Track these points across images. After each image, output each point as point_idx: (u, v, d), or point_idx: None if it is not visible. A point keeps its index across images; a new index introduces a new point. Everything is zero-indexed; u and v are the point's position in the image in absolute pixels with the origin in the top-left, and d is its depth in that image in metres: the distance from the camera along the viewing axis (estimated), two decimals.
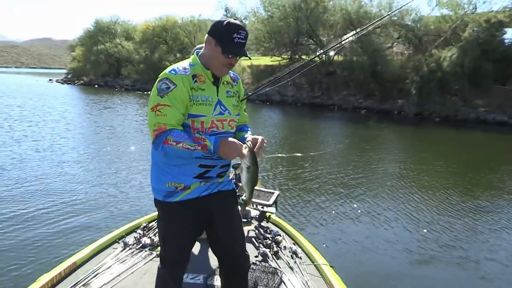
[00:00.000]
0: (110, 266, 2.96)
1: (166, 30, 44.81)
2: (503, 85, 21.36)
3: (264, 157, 8.92)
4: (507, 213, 6.77)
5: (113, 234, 3.44)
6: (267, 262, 3.14)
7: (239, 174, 3.75)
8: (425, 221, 6.18)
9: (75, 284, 2.70)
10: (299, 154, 11.26)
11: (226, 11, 44.77)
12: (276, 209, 4.28)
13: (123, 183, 7.65)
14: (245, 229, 3.57)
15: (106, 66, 47.34)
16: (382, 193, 7.58)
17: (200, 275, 2.94)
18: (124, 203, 6.49)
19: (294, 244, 3.44)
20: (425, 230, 5.80)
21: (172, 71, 1.99)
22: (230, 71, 2.16)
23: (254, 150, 2.00)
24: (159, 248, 2.71)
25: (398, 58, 26.75)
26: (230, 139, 1.98)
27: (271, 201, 4.19)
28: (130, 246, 3.26)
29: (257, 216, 3.88)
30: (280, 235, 3.55)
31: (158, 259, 2.27)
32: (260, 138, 2.07)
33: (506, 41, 23.22)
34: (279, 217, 4.11)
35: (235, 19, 2.03)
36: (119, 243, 3.33)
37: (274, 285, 2.84)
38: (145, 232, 3.50)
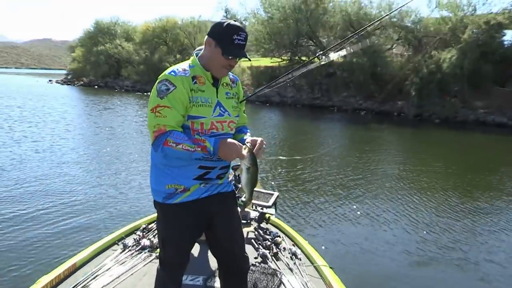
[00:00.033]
0: (109, 268, 2.96)
1: (166, 31, 44.83)
2: (502, 86, 21.39)
3: (264, 158, 8.91)
4: (506, 214, 6.78)
5: (112, 236, 3.43)
6: (267, 263, 3.14)
7: (238, 175, 3.76)
8: (424, 222, 6.18)
9: (74, 286, 2.69)
10: (299, 156, 11.26)
11: (226, 12, 44.82)
12: (276, 211, 4.28)
13: (122, 184, 7.65)
14: (245, 230, 3.56)
15: (106, 67, 47.35)
16: (382, 195, 7.58)
17: (199, 276, 2.94)
18: (124, 204, 6.49)
19: (294, 246, 3.44)
20: (424, 232, 5.81)
21: (172, 73, 1.99)
22: (229, 72, 2.17)
23: (254, 151, 2.00)
24: (158, 250, 2.71)
25: (398, 59, 26.77)
26: (230, 140, 1.98)
27: (270, 203, 4.19)
28: (130, 248, 3.26)
29: (256, 218, 3.88)
30: (279, 236, 3.55)
31: (158, 260, 2.27)
32: (259, 139, 2.08)
33: (505, 42, 23.28)
34: (278, 219, 4.11)
35: (235, 21, 2.04)
36: (118, 244, 3.32)
37: (273, 286, 2.84)
38: (144, 233, 3.49)
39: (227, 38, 1.98)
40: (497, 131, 18.61)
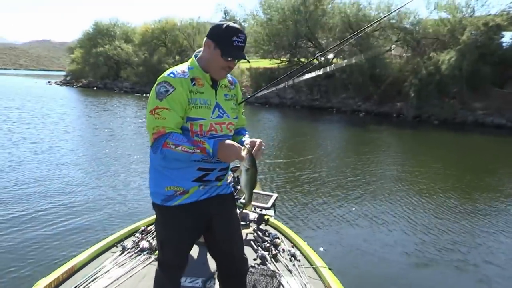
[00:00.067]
0: (108, 270, 2.96)
1: (165, 32, 44.79)
2: (501, 88, 21.41)
3: (262, 160, 8.91)
4: (505, 216, 6.78)
5: (111, 238, 3.43)
6: (266, 265, 3.14)
7: (237, 176, 3.76)
8: (423, 224, 6.18)
9: None
10: (298, 158, 11.26)
11: (225, 13, 44.92)
12: (275, 212, 4.28)
13: (121, 185, 7.64)
14: (244, 232, 3.55)
15: (105, 68, 47.30)
16: (381, 196, 7.58)
17: (198, 278, 2.94)
18: (123, 205, 6.49)
19: (293, 247, 3.44)
20: (423, 233, 5.81)
21: (171, 74, 2.00)
22: (228, 74, 2.17)
23: (252, 152, 2.01)
24: (157, 252, 2.71)
25: (397, 61, 26.80)
26: (229, 141, 1.99)
27: (269, 204, 4.19)
28: (129, 250, 3.25)
29: (255, 219, 3.88)
30: (278, 238, 3.55)
31: (157, 262, 2.27)
32: (258, 140, 2.08)
33: (504, 44, 23.29)
34: (277, 220, 4.11)
35: (234, 23, 2.05)
36: (117, 246, 3.32)
37: None
38: (143, 235, 3.49)
39: (226, 40, 1.98)
40: (495, 132, 18.62)
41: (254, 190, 2.15)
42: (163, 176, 2.08)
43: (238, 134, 2.29)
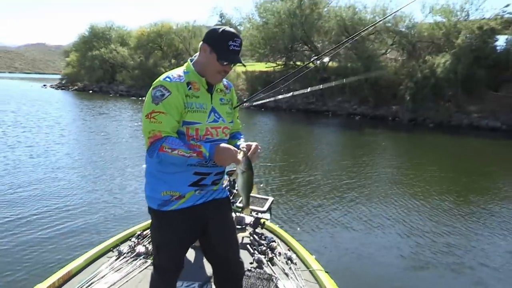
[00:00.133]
0: (105, 275, 2.94)
1: (161, 36, 44.78)
2: (495, 91, 21.54)
3: (258, 163, 8.91)
4: (500, 218, 6.80)
5: (107, 243, 3.42)
6: (262, 268, 3.14)
7: (234, 180, 3.76)
8: (418, 226, 6.20)
9: None
10: (293, 161, 11.28)
11: (221, 17, 45.01)
12: (271, 216, 4.28)
13: (117, 189, 7.62)
14: (240, 235, 3.56)
15: (101, 71, 47.22)
16: (376, 199, 7.60)
17: (195, 283, 2.93)
18: (119, 209, 6.47)
19: (289, 250, 3.44)
20: (418, 236, 5.82)
21: (167, 79, 2.00)
22: (223, 78, 2.18)
23: (248, 155, 2.02)
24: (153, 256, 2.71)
25: (392, 64, 26.89)
26: (225, 145, 2.00)
27: (265, 208, 4.19)
28: (125, 255, 3.24)
29: (251, 223, 3.88)
30: (274, 241, 3.55)
31: (152, 266, 2.26)
32: (254, 144, 2.10)
33: (498, 48, 23.42)
34: (273, 224, 4.11)
35: (230, 27, 2.06)
36: (113, 251, 3.31)
37: None
38: (139, 240, 3.48)
39: (222, 44, 1.99)
40: (490, 135, 18.72)
41: (251, 194, 2.15)
42: (159, 181, 2.08)
43: (233, 138, 2.30)
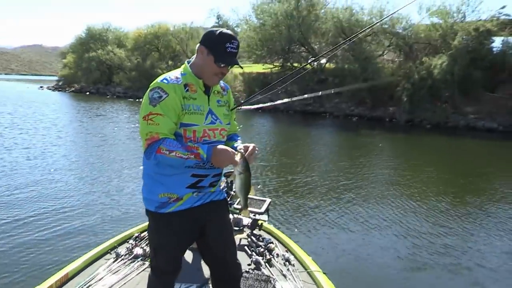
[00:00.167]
0: (102, 278, 2.94)
1: (158, 37, 44.69)
2: (492, 92, 21.62)
3: (256, 164, 8.91)
4: (496, 219, 6.82)
5: (105, 245, 3.41)
6: (260, 270, 3.14)
7: (231, 181, 3.76)
8: (415, 227, 6.21)
9: None
10: (291, 163, 11.29)
11: (218, 18, 45.09)
12: (268, 217, 4.28)
13: (114, 190, 7.61)
14: (238, 237, 3.57)
15: (98, 73, 47.13)
16: (374, 200, 7.61)
17: (193, 284, 2.93)
18: (116, 211, 6.46)
19: (287, 252, 3.45)
20: (415, 237, 5.83)
21: (164, 80, 2.01)
22: (220, 80, 2.18)
23: (246, 156, 2.02)
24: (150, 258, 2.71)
25: (389, 65, 26.96)
26: (222, 146, 2.00)
27: (263, 209, 4.20)
28: (123, 257, 3.23)
29: (249, 224, 3.88)
30: (272, 242, 3.55)
31: (150, 268, 2.26)
32: (251, 145, 2.10)
33: (494, 49, 23.52)
34: (271, 225, 4.11)
35: (227, 29, 2.06)
36: (111, 253, 3.30)
37: None
38: (137, 242, 3.47)
39: (220, 46, 2.00)
40: (487, 136, 18.78)
41: (248, 195, 2.16)
42: (156, 183, 2.08)
43: (230, 140, 2.31)
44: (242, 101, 3.26)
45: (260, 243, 3.51)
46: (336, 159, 12.75)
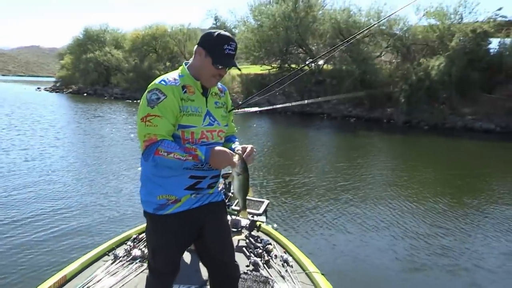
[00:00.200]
0: (100, 279, 2.93)
1: (156, 38, 44.66)
2: (489, 93, 21.66)
3: (254, 166, 8.91)
4: (494, 220, 6.83)
5: (103, 247, 3.41)
6: (258, 271, 3.14)
7: (229, 183, 3.77)
8: (413, 228, 6.22)
9: None
10: (289, 164, 11.29)
11: (215, 20, 45.10)
12: (266, 218, 4.28)
13: (112, 192, 7.60)
14: (236, 238, 3.57)
15: (95, 74, 47.07)
16: (371, 201, 7.62)
17: (191, 286, 2.93)
18: (114, 212, 6.45)
19: (285, 253, 3.45)
20: (413, 238, 5.84)
21: (162, 82, 2.01)
22: (218, 82, 2.19)
23: (244, 157, 2.03)
24: (148, 259, 2.71)
25: (387, 67, 27.00)
26: (220, 148, 2.01)
27: (261, 210, 4.20)
28: (121, 259, 3.23)
29: (247, 226, 3.89)
30: (270, 244, 3.55)
31: (148, 269, 2.26)
32: (249, 146, 2.10)
33: (491, 50, 23.57)
34: (269, 226, 4.12)
35: (225, 31, 2.07)
36: (109, 255, 3.30)
37: None
38: (135, 244, 3.47)
39: (218, 48, 2.00)
40: (484, 137, 18.82)
41: (246, 196, 2.16)
42: (155, 185, 2.08)
43: (228, 141, 2.31)
44: (240, 102, 3.27)
45: (258, 245, 3.52)
46: (334, 160, 12.76)
